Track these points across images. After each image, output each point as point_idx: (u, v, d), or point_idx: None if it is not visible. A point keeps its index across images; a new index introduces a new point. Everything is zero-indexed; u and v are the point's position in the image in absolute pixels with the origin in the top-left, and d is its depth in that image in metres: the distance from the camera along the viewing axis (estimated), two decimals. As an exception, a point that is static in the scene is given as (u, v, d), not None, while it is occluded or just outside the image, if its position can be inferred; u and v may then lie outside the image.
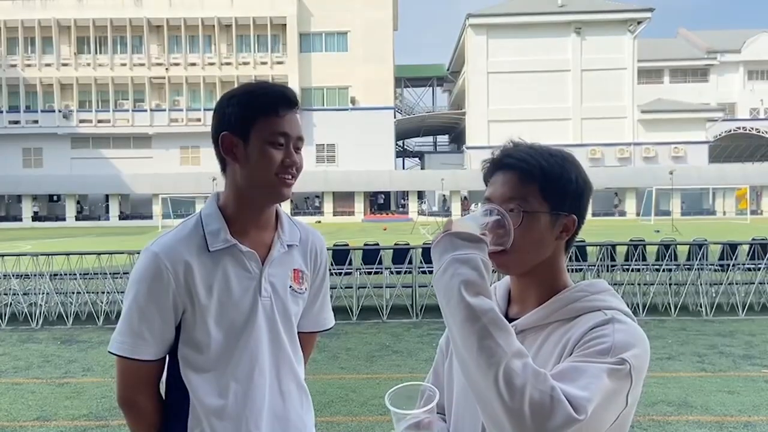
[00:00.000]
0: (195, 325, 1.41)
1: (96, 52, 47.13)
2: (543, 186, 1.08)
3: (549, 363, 1.03)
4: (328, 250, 7.44)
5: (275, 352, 1.47)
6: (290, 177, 1.42)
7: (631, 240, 9.82)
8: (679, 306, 8.58)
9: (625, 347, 0.98)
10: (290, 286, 1.51)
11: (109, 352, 1.43)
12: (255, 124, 1.39)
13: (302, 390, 1.56)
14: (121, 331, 1.41)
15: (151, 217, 43.49)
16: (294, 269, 1.52)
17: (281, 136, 1.40)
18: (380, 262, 8.99)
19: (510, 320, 1.12)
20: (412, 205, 46.57)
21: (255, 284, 1.45)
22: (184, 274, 1.39)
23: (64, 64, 47.01)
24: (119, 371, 1.44)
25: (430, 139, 62.99)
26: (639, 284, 8.99)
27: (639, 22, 47.85)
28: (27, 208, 46.48)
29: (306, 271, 1.55)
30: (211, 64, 47.24)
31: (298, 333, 1.60)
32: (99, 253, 8.90)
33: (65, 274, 9.10)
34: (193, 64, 47.19)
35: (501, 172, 1.12)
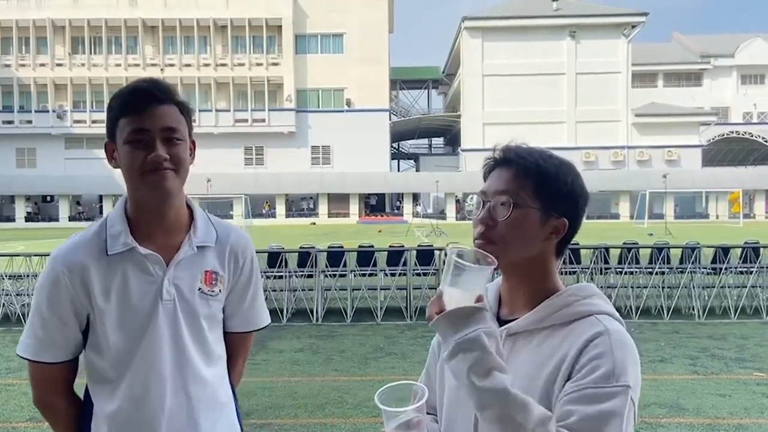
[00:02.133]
0: (97, 330, 1.41)
1: (91, 53, 46.98)
2: (537, 184, 1.10)
3: (544, 369, 1.05)
4: (323, 251, 7.38)
5: (177, 357, 1.42)
6: (161, 170, 1.34)
7: (624, 243, 9.85)
8: (671, 309, 8.61)
9: (624, 367, 1.00)
10: (199, 289, 1.45)
11: (16, 353, 1.45)
12: (118, 125, 1.36)
13: (217, 396, 1.49)
14: (27, 334, 1.43)
15: (145, 218, 43.29)
16: (205, 271, 1.46)
17: (140, 132, 1.34)
18: (375, 264, 8.99)
19: (501, 321, 1.14)
20: (407, 207, 46.58)
21: (156, 288, 1.41)
22: (81, 278, 1.38)
23: (59, 64, 46.85)
24: (29, 372, 1.45)
25: (425, 141, 63.07)
26: (632, 287, 9.02)
27: (633, 26, 48.07)
28: (20, 209, 46.27)
29: (221, 272, 1.49)
30: (207, 65, 47.16)
31: (231, 333, 1.57)
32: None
33: (58, 275, 9.05)
34: (188, 65, 47.09)
35: (499, 168, 1.14)
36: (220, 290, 1.49)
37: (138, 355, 1.40)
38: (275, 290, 9.12)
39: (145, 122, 1.34)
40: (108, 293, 1.39)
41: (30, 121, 47.05)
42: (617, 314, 1.11)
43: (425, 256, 9.18)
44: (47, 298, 1.39)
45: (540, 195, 1.10)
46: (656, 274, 9.05)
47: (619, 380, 0.99)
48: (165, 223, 1.43)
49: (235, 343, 1.60)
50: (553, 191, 1.10)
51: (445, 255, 1.05)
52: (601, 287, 8.85)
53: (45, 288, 1.40)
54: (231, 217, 43.33)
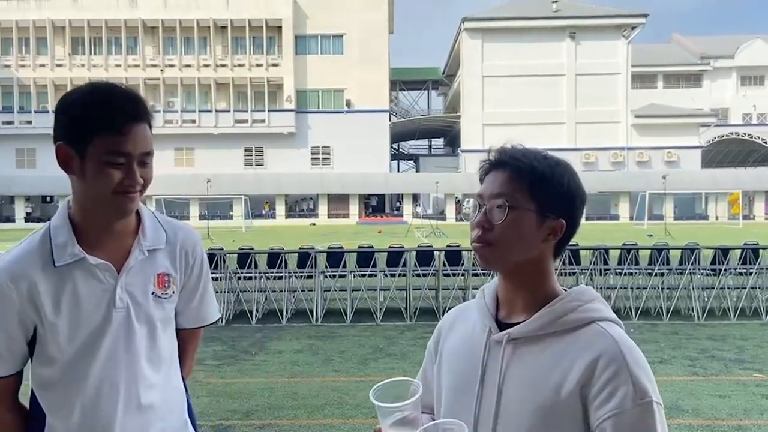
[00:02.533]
0: (47, 342, 1.37)
1: (90, 53, 46.96)
2: (532, 185, 1.10)
3: (550, 377, 1.06)
4: (323, 252, 7.42)
5: (131, 364, 1.41)
6: (132, 193, 1.34)
7: (624, 244, 9.86)
8: (671, 310, 8.61)
9: (642, 382, 1.02)
10: (153, 293, 1.44)
11: None
12: (92, 140, 1.29)
13: (168, 399, 1.49)
14: None
15: (144, 219, 43.27)
16: (158, 274, 1.45)
17: (121, 155, 1.30)
18: (374, 265, 8.99)
19: (500, 324, 1.14)
20: (407, 207, 46.59)
21: (109, 296, 1.38)
22: (28, 291, 1.34)
23: (59, 65, 46.84)
24: None
25: (425, 141, 63.10)
26: (632, 288, 9.02)
27: (633, 28, 48.10)
28: (20, 209, 46.27)
29: (173, 273, 1.48)
30: (207, 65, 47.16)
31: (181, 330, 1.57)
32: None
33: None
34: (188, 66, 47.08)
35: (494, 171, 1.14)
36: (173, 291, 1.48)
37: (90, 365, 1.37)
38: (275, 291, 9.12)
39: (127, 145, 1.30)
40: (58, 306, 1.35)
41: (30, 122, 47.02)
42: (617, 318, 1.12)
43: (425, 256, 9.18)
44: None
45: (535, 196, 1.10)
46: (656, 275, 9.05)
47: (644, 398, 1.01)
48: (113, 230, 1.41)
49: (185, 339, 1.60)
50: (548, 192, 1.10)
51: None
52: (601, 288, 8.86)
53: None
54: (231, 217, 43.36)
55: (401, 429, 1.05)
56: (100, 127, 1.29)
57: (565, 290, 1.15)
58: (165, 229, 1.50)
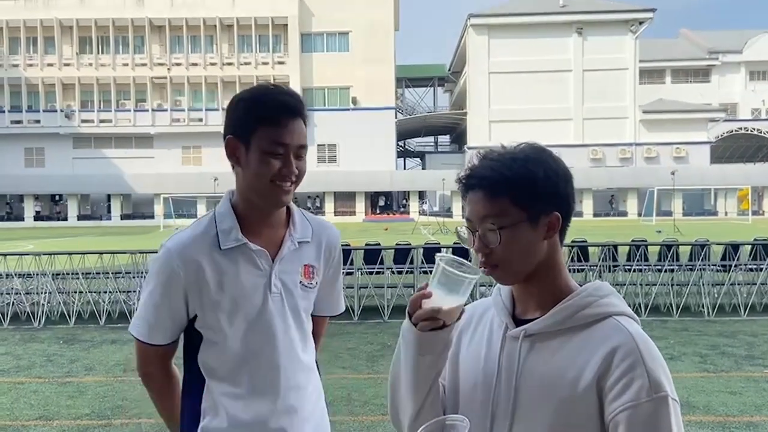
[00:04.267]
0: (210, 321, 1.49)
1: (98, 52, 47.17)
2: (512, 195, 1.08)
3: (567, 373, 1.06)
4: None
5: (286, 346, 1.53)
6: (288, 184, 1.46)
7: (633, 240, 9.82)
8: (681, 306, 8.57)
9: (658, 375, 1.02)
10: (300, 282, 1.56)
11: (129, 331, 1.59)
12: (256, 132, 1.43)
13: (313, 381, 1.62)
14: (139, 316, 1.55)
15: (152, 217, 43.52)
16: (305, 265, 1.57)
17: (280, 146, 1.43)
18: (381, 262, 8.99)
19: (517, 320, 1.14)
20: (413, 205, 46.55)
21: (265, 281, 1.51)
22: (195, 271, 1.47)
23: (66, 64, 47.06)
24: (136, 349, 1.59)
25: (431, 139, 62.95)
26: (641, 285, 8.98)
27: (641, 23, 47.80)
28: (29, 208, 46.56)
29: (317, 265, 1.60)
30: (213, 64, 47.25)
31: (313, 317, 1.67)
32: (101, 253, 8.92)
33: (67, 274, 9.11)
34: (195, 64, 47.20)
35: (471, 191, 1.12)
36: (316, 282, 1.60)
37: (251, 344, 1.50)
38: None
39: (286, 137, 1.44)
40: (222, 285, 1.48)
41: (38, 121, 47.29)
42: (633, 313, 1.12)
43: (432, 254, 9.16)
44: (160, 287, 1.49)
45: (520, 204, 1.08)
46: (665, 271, 9.01)
47: (658, 391, 1.02)
48: (271, 220, 1.54)
49: (317, 326, 1.72)
50: (531, 194, 1.08)
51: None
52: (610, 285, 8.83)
53: (161, 278, 1.49)
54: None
55: (452, 296, 1.06)
56: (263, 120, 1.43)
57: (580, 285, 1.15)
58: (311, 224, 1.63)
